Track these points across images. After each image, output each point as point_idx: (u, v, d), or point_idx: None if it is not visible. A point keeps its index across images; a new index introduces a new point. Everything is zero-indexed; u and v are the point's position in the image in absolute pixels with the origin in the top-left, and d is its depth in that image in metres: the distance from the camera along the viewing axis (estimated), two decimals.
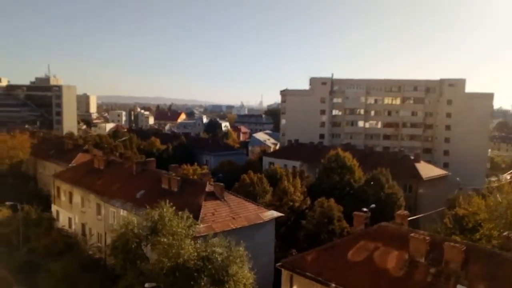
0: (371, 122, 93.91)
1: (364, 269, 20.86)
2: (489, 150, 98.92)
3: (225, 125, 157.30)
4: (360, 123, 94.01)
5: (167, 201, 24.15)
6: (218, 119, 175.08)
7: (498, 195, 25.95)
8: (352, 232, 28.15)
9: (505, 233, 20.54)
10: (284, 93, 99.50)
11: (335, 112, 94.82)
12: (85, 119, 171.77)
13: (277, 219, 33.03)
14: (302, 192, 41.77)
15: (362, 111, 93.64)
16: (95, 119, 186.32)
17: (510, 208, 23.98)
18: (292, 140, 79.85)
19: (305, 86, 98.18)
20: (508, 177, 48.95)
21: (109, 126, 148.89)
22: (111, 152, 58.25)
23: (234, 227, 28.71)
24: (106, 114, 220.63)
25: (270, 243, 32.23)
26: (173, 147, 76.14)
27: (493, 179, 68.13)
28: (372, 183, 44.46)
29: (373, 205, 37.69)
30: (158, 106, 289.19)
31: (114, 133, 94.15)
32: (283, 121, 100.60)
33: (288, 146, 79.95)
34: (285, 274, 23.11)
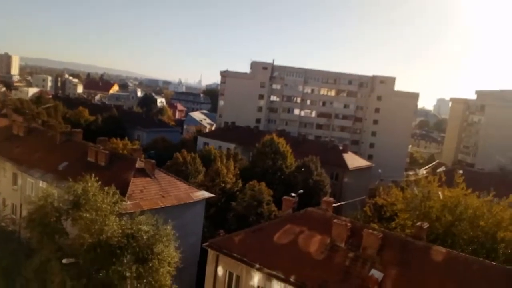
0: (306, 110, 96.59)
1: (288, 251, 21.55)
2: (410, 146, 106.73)
3: (160, 101, 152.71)
4: (296, 111, 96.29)
5: (93, 175, 22.94)
6: (153, 94, 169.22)
7: (415, 188, 28.08)
8: (280, 216, 28.93)
9: (418, 223, 22.26)
10: (224, 74, 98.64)
11: (273, 98, 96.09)
12: (4, 80, 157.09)
13: (207, 199, 32.93)
14: (235, 175, 41.99)
15: (298, 100, 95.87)
16: (17, 82, 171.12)
17: (424, 200, 26.05)
18: (228, 122, 79.73)
19: (246, 69, 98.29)
20: (425, 172, 53.20)
21: (32, 90, 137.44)
22: (32, 119, 53.90)
23: (163, 206, 28.12)
24: (29, 78, 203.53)
25: (199, 223, 32.13)
26: (102, 119, 72.29)
27: (411, 173, 73.69)
28: (302, 169, 45.93)
29: (301, 191, 38.97)
30: (88, 74, 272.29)
31: (38, 99, 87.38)
32: (221, 102, 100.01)
33: (224, 128, 79.77)
34: (211, 254, 23.17)
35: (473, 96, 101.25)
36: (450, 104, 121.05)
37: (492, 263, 19.59)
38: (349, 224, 21.60)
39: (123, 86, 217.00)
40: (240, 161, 48.76)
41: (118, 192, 23.09)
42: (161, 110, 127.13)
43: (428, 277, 18.91)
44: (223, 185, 39.48)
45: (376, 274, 19.15)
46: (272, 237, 22.44)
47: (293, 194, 34.21)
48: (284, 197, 27.29)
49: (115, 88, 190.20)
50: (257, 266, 20.99)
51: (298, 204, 31.47)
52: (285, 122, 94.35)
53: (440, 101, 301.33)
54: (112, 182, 24.08)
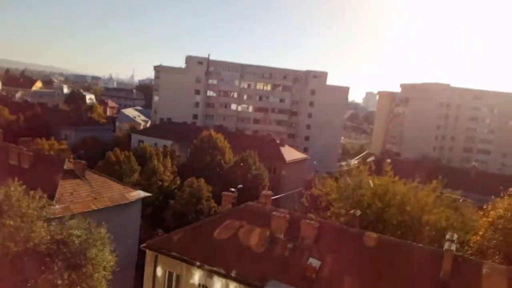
0: (243, 105, 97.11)
1: (228, 247, 21.57)
2: (342, 137, 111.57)
3: (90, 97, 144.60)
4: (233, 106, 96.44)
5: (16, 179, 21.17)
6: (81, 91, 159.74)
7: (347, 178, 29.41)
8: (220, 212, 28.85)
9: (351, 211, 23.36)
10: (158, 69, 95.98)
11: (209, 93, 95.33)
12: None
13: (144, 199, 31.88)
14: (172, 172, 41.16)
15: (235, 94, 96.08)
16: None
17: (356, 189, 27.37)
18: (164, 119, 77.79)
19: (181, 64, 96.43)
20: (356, 162, 55.95)
21: None
22: None
23: (95, 208, 26.74)
24: None
25: (136, 224, 31.05)
26: (25, 119, 66.97)
27: (343, 163, 77.13)
28: (241, 164, 46.18)
29: (240, 186, 39.18)
30: (7, 70, 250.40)
31: None
32: (155, 98, 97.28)
33: (160, 124, 77.72)
34: (149, 255, 22.53)
35: (398, 89, 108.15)
36: (377, 97, 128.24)
37: (419, 245, 21.11)
38: (287, 216, 22.10)
39: (47, 82, 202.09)
40: (177, 158, 47.87)
41: (45, 196, 21.52)
42: (91, 108, 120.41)
43: (362, 262, 19.94)
44: (160, 183, 38.53)
45: (314, 262, 19.83)
46: (212, 234, 22.31)
47: (232, 189, 34.26)
48: (224, 192, 27.25)
49: (38, 85, 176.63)
50: (198, 263, 20.78)
51: (238, 199, 31.60)
52: (223, 117, 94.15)
53: (369, 94, 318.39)
54: (38, 186, 22.38)
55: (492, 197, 28.56)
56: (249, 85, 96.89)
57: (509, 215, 24.13)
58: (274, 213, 22.27)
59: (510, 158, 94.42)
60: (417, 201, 26.14)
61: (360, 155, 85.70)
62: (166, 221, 34.93)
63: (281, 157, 59.17)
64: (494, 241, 23.71)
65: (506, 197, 25.77)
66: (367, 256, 20.20)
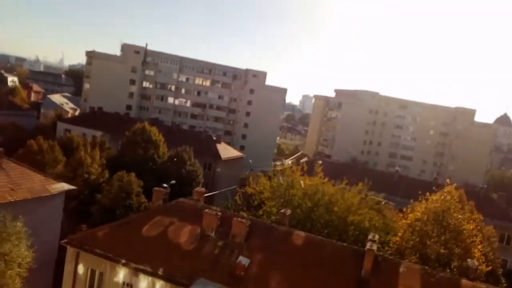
0: (181, 99, 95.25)
1: (157, 244, 20.94)
2: (278, 138, 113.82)
3: (12, 80, 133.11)
4: (170, 99, 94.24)
5: None
6: (3, 72, 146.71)
7: (280, 178, 30.00)
8: (150, 208, 27.94)
9: (282, 210, 23.83)
10: (91, 54, 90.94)
11: (145, 84, 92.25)
12: None
13: (68, 192, 29.93)
14: (101, 165, 39.17)
15: (173, 88, 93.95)
16: None
17: (288, 189, 28.05)
18: (95, 108, 73.87)
19: (117, 52, 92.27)
20: (290, 162, 57.34)
21: None
22: None
23: (12, 200, 24.59)
24: None
25: (57, 218, 29.05)
26: None
27: (278, 163, 78.67)
28: (175, 159, 45.20)
29: (173, 181, 38.31)
30: None
31: None
32: (86, 86, 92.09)
33: (90, 114, 73.66)
34: (70, 251, 21.19)
35: (333, 94, 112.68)
36: (313, 100, 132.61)
37: (343, 244, 22.08)
38: (219, 213, 21.97)
39: None
40: (107, 150, 45.67)
41: None
42: (13, 91, 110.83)
43: (289, 260, 20.41)
44: (86, 176, 36.48)
45: (243, 260, 19.92)
46: (140, 230, 21.52)
47: (165, 185, 33.36)
48: (155, 188, 26.42)
49: None
50: (123, 261, 19.91)
51: (171, 195, 30.81)
52: (159, 110, 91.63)
53: (305, 97, 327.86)
54: None
55: (411, 200, 30.69)
56: (187, 79, 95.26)
57: (425, 218, 26.07)
58: (205, 210, 22.03)
59: (429, 165, 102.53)
60: (344, 202, 27.36)
61: (294, 156, 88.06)
62: (92, 216, 33.15)
63: (217, 154, 58.89)
64: (411, 242, 25.49)
65: (423, 201, 27.81)
66: (294, 254, 20.72)
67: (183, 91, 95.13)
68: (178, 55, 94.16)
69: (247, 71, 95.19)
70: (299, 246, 21.08)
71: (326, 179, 28.92)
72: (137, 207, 33.99)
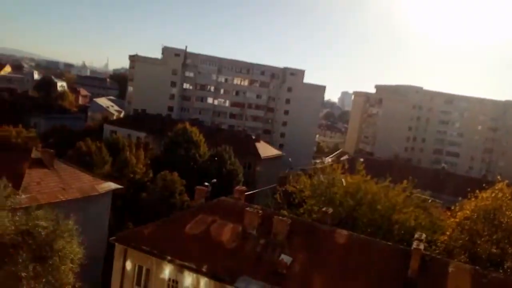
0: (220, 100, 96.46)
1: (200, 241, 21.35)
2: (317, 135, 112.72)
3: (61, 85, 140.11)
4: (210, 100, 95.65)
5: None
6: (53, 77, 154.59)
7: (321, 176, 29.66)
8: (192, 206, 28.53)
9: (323, 209, 23.56)
10: (134, 58, 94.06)
11: (186, 86, 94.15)
12: None
13: (115, 191, 31.16)
14: (145, 164, 40.43)
15: (212, 88, 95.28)
16: None
17: (329, 187, 27.68)
18: (138, 110, 76.38)
19: (158, 55, 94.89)
20: (330, 160, 56.62)
21: None
22: None
23: (63, 199, 25.94)
24: None
25: (105, 216, 30.34)
26: None
27: (318, 161, 77.86)
28: (216, 159, 45.86)
29: (214, 180, 38.89)
30: None
31: None
32: (130, 89, 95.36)
33: (134, 116, 76.28)
34: (118, 248, 22.04)
35: (373, 90, 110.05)
36: (353, 97, 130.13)
37: (388, 243, 21.50)
38: (260, 211, 22.05)
39: (17, 67, 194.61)
40: (151, 150, 47.07)
41: (10, 185, 20.70)
42: (62, 95, 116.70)
43: (332, 259, 20.15)
44: (132, 175, 37.78)
45: (286, 258, 19.89)
46: (183, 228, 22.02)
47: (206, 184, 33.98)
48: (197, 186, 26.93)
49: (7, 69, 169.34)
50: (168, 258, 20.46)
51: (212, 194, 31.37)
52: (199, 111, 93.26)
53: (344, 94, 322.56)
54: (3, 174, 21.50)
55: (460, 198, 29.41)
56: (226, 80, 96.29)
57: (475, 216, 24.89)
58: (247, 208, 22.18)
59: (477, 161, 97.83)
60: (387, 200, 26.63)
61: (334, 154, 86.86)
62: (137, 215, 34.30)
63: (256, 153, 59.15)
64: (460, 241, 24.42)
65: (473, 199, 26.56)
66: (337, 253, 20.42)
67: (222, 91, 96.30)
68: (217, 56, 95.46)
69: (284, 70, 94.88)
70: (342, 245, 20.76)
71: (369, 177, 28.27)
72: (180, 205, 34.80)
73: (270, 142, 78.28)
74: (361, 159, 35.60)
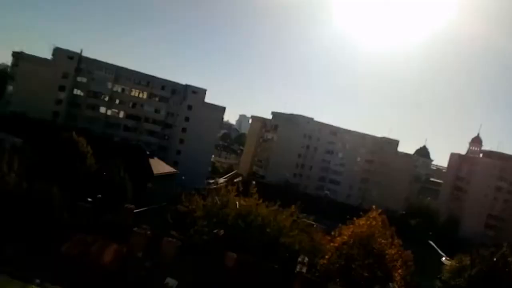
0: (114, 110, 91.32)
1: (77, 264, 19.48)
2: (213, 156, 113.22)
3: None
4: (102, 109, 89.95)
5: None
6: None
7: (216, 197, 29.59)
8: (72, 224, 26.04)
9: (215, 230, 23.42)
10: (18, 56, 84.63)
11: (76, 91, 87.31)
12: None
13: None
14: (19, 174, 35.93)
15: (106, 98, 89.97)
16: None
17: (222, 208, 27.71)
18: (17, 112, 68.29)
19: (48, 55, 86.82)
20: (223, 181, 57.02)
21: None
22: None
23: None
24: None
25: None
26: None
27: (212, 181, 77.92)
28: (104, 173, 42.86)
29: (99, 196, 36.14)
30: None
31: None
32: (10, 88, 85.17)
33: (11, 118, 67.91)
34: None
35: (270, 116, 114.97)
36: (250, 120, 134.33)
37: (274, 265, 22.13)
38: (148, 232, 21.07)
39: None
40: (28, 159, 42.11)
41: None
42: None
43: (220, 281, 19.99)
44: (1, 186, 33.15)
45: (171, 282, 19.19)
46: (59, 249, 19.91)
47: (89, 200, 31.38)
48: (79, 203, 24.74)
49: None
50: (37, 281, 18.22)
51: (96, 211, 28.98)
52: (89, 120, 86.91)
53: (242, 117, 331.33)
54: None
55: (339, 224, 31.77)
56: (123, 90, 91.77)
57: (351, 242, 27.09)
58: (134, 229, 21.02)
59: (355, 190, 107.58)
60: (276, 224, 27.59)
61: (228, 175, 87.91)
62: (4, 230, 30.04)
63: (149, 168, 56.86)
64: (338, 265, 26.27)
65: (350, 225, 28.91)
66: (225, 275, 20.35)
67: (117, 101, 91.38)
68: (115, 64, 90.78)
69: (186, 87, 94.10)
70: (230, 267, 20.77)
71: (260, 200, 29.05)
72: (58, 223, 31.45)
73: (165, 159, 76.13)
74: (254, 182, 36.46)
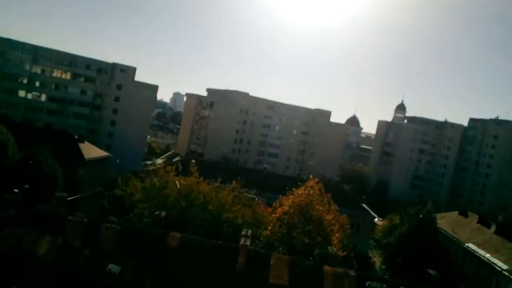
0: (34, 93, 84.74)
1: (9, 259, 18.18)
2: (149, 136, 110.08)
3: None
4: (21, 93, 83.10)
5: None
6: None
7: (154, 178, 28.91)
8: (2, 219, 24.14)
9: (156, 212, 22.98)
10: None
11: None
12: None
13: None
14: None
15: (25, 80, 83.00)
16: None
17: (161, 190, 27.21)
18: None
19: None
20: (161, 161, 55.80)
21: None
22: None
23: None
24: None
25: None
26: None
27: (149, 162, 75.96)
28: (30, 162, 39.92)
29: (27, 186, 33.75)
30: None
31: None
32: None
33: None
34: None
35: (205, 93, 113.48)
36: (185, 98, 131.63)
37: (218, 242, 22.32)
38: (85, 220, 20.12)
39: None
40: None
41: None
42: None
43: (164, 263, 19.79)
44: None
45: (113, 268, 18.63)
46: None
47: (16, 191, 29.18)
48: (5, 195, 22.88)
49: None
50: None
51: (24, 202, 27.06)
52: (6, 105, 79.92)
53: (176, 95, 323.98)
54: None
55: (280, 195, 32.74)
56: (43, 71, 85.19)
57: (292, 211, 28.08)
58: (69, 217, 19.93)
59: (292, 161, 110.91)
60: (218, 201, 27.75)
61: (166, 155, 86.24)
62: None
63: (79, 154, 53.89)
64: (280, 234, 27.18)
65: (290, 196, 29.87)
66: (169, 257, 20.16)
67: (37, 84, 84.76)
68: (33, 43, 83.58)
69: (114, 65, 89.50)
70: (174, 248, 20.58)
71: (201, 178, 28.92)
72: None
73: (96, 143, 72.56)
74: (193, 161, 36.14)
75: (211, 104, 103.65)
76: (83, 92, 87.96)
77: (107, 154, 63.56)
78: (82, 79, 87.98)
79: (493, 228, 46.90)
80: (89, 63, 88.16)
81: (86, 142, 59.81)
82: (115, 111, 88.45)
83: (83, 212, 24.20)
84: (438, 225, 49.97)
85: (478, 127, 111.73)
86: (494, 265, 38.58)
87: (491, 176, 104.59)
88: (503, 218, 54.93)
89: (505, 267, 36.95)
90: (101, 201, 33.59)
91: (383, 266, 51.67)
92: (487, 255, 40.76)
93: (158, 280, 19.01)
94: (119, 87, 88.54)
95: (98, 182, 49.79)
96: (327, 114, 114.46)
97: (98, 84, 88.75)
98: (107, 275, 18.26)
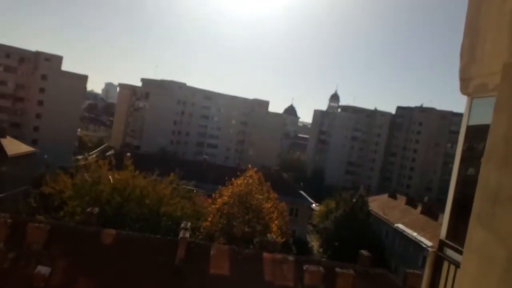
0: None
1: None
2: (79, 129, 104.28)
3: None
4: None
5: None
6: None
7: (85, 174, 27.37)
8: None
9: (88, 209, 21.84)
10: None
11: None
12: None
13: None
14: None
15: None
16: None
17: (94, 185, 25.86)
18: None
19: None
20: (94, 155, 53.13)
21: None
22: None
23: None
24: None
25: None
26: None
27: (80, 157, 71.90)
28: None
29: None
30: None
31: None
32: None
33: None
34: None
35: (140, 83, 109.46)
36: (118, 89, 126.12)
37: (156, 236, 21.78)
38: (9, 220, 18.65)
39: None
40: None
41: None
42: None
43: (98, 261, 18.95)
44: None
45: (43, 270, 17.50)
46: None
47: None
48: None
49: None
50: None
51: None
52: None
53: (109, 85, 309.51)
54: None
55: (219, 186, 32.65)
56: None
57: (232, 201, 28.13)
58: None
59: (232, 152, 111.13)
60: (156, 194, 26.99)
61: (99, 149, 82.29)
62: None
63: (1, 150, 49.71)
64: (220, 225, 27.15)
65: (229, 186, 29.89)
66: (103, 254, 19.35)
67: None
68: None
69: (37, 54, 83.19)
70: (108, 245, 19.77)
71: (137, 172, 27.92)
72: None
73: (19, 138, 67.28)
74: (129, 154, 34.79)
75: (147, 95, 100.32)
76: (3, 83, 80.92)
77: (33, 149, 59.22)
78: (1, 68, 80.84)
79: (419, 208, 50.68)
80: (9, 52, 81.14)
81: (8, 137, 55.24)
82: (40, 103, 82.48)
83: (7, 212, 22.37)
84: (370, 208, 52.94)
85: (404, 115, 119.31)
86: (421, 243, 41.76)
87: (417, 160, 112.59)
88: (428, 199, 59.66)
89: (430, 243, 40.16)
90: (27, 199, 31.22)
91: (321, 250, 53.81)
92: (414, 234, 44.01)
93: (92, 279, 18.18)
94: (44, 77, 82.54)
95: (24, 179, 46.35)
96: (265, 104, 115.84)
97: (20, 74, 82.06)
98: (36, 277, 17.10)
